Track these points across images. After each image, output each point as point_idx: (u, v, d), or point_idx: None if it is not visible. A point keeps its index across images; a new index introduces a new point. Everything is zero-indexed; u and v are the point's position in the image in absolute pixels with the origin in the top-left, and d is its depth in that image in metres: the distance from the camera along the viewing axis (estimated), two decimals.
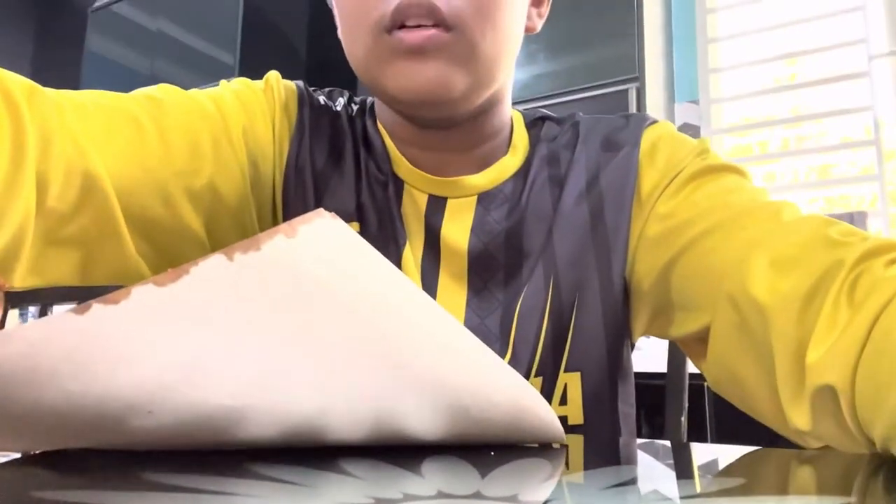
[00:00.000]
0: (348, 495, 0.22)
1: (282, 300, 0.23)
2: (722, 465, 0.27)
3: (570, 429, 0.51)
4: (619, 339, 0.53)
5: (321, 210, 0.22)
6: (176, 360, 0.24)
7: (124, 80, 2.53)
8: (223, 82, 0.55)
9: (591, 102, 1.74)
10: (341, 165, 0.54)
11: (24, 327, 0.22)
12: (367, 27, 0.46)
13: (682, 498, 0.22)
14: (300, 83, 0.57)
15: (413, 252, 0.52)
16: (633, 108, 1.68)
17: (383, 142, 0.55)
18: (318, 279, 0.23)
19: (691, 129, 1.99)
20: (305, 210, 0.40)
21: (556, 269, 0.52)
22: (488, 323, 0.51)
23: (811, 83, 1.92)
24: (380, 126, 0.56)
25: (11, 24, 3.33)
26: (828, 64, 1.95)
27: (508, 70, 0.52)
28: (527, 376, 0.51)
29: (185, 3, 2.43)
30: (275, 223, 0.54)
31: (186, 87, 0.51)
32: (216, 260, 0.22)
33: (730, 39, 2.03)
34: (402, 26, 0.45)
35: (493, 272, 0.52)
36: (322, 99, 0.57)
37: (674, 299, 0.49)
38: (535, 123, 0.59)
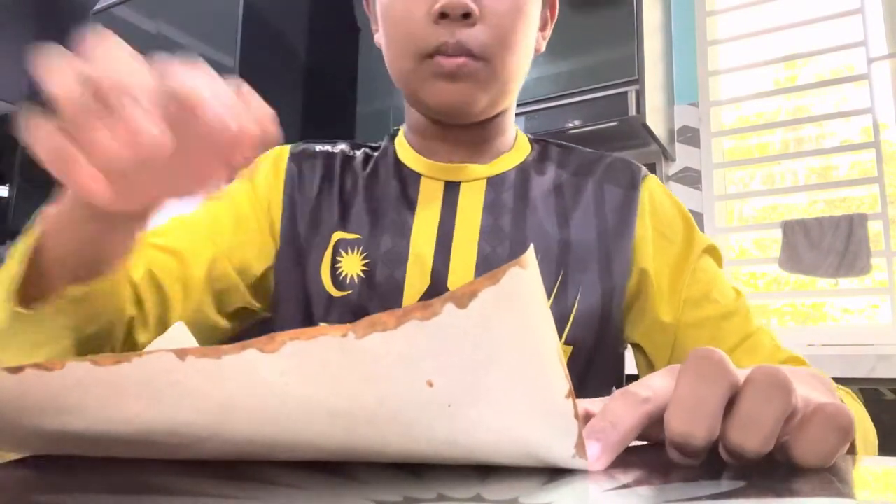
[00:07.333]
0: (348, 498, 0.22)
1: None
2: (725, 467, 0.27)
3: None
4: (614, 322, 0.61)
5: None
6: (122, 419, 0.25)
7: None
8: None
9: (591, 105, 1.73)
10: (331, 188, 0.65)
11: None
12: (413, 52, 0.57)
13: (684, 500, 0.22)
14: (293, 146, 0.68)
15: (428, 230, 0.61)
16: (632, 111, 1.67)
17: (396, 155, 0.67)
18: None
19: (690, 132, 1.99)
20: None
21: (567, 254, 0.60)
22: None
23: (811, 85, 1.92)
24: (399, 143, 0.68)
25: (12, 26, 3.33)
26: (827, 66, 1.95)
27: (520, 85, 0.64)
28: None
29: (186, 6, 2.43)
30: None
31: None
32: (166, 357, 0.23)
33: (729, 42, 2.03)
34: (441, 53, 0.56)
35: (501, 240, 0.61)
36: (318, 147, 0.68)
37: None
38: (537, 140, 0.70)
